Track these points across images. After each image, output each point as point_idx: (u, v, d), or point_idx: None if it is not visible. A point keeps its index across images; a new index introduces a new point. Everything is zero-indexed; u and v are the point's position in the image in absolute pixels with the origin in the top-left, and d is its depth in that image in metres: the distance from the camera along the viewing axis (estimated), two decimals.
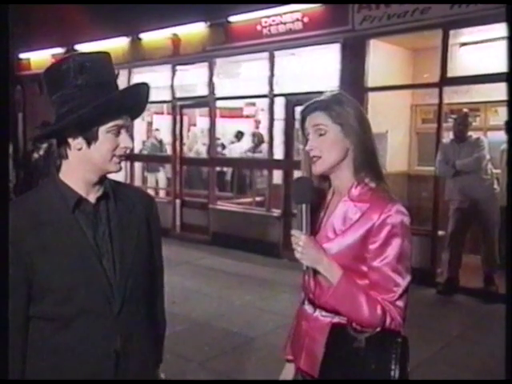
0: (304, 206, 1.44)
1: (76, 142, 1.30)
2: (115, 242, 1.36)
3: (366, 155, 1.49)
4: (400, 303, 1.42)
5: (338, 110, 1.47)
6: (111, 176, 1.41)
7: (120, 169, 1.36)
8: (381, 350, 1.36)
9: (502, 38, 4.47)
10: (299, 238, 1.43)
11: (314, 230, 1.49)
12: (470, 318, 4.65)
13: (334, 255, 1.45)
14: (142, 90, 1.37)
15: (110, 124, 1.29)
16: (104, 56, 1.34)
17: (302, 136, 1.57)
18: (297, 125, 7.17)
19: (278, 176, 7.12)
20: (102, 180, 1.37)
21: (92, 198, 1.36)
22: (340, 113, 1.47)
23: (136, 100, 1.37)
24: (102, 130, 1.29)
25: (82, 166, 1.33)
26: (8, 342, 1.24)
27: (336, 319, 1.46)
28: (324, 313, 1.49)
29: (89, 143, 1.29)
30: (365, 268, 1.44)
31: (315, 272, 1.47)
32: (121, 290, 1.34)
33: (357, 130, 1.48)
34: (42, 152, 7.33)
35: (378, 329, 1.38)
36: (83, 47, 8.77)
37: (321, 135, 1.48)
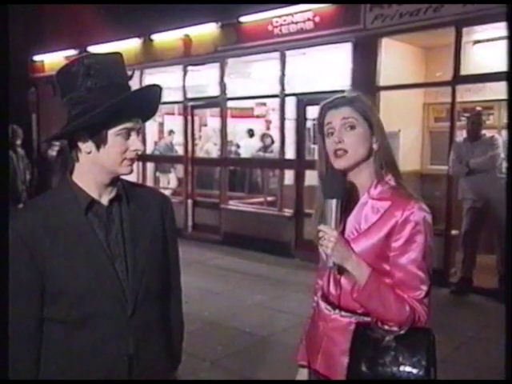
0: (335, 201, 1.41)
1: (85, 146, 1.28)
2: (128, 244, 1.35)
3: (388, 155, 1.48)
4: (426, 301, 1.41)
5: (364, 107, 1.47)
6: (125, 176, 1.39)
7: (131, 171, 1.34)
8: (413, 348, 1.35)
9: None
10: (331, 234, 1.38)
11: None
12: (485, 318, 4.60)
13: (357, 252, 1.43)
14: (153, 92, 1.34)
15: (119, 127, 1.27)
16: (115, 57, 1.31)
17: (319, 132, 1.53)
18: (308, 124, 7.18)
19: (289, 176, 7.11)
20: (115, 181, 1.36)
21: (105, 200, 1.35)
22: (366, 111, 1.47)
23: (146, 102, 1.33)
24: (111, 133, 1.27)
25: (92, 169, 1.32)
26: (8, 343, 1.25)
27: (355, 319, 1.45)
28: (344, 313, 1.48)
29: (98, 147, 1.28)
30: (387, 267, 1.43)
31: (339, 271, 1.45)
32: (133, 292, 1.33)
33: (381, 128, 1.48)
34: (54, 152, 7.41)
35: (406, 327, 1.37)
36: (96, 49, 8.84)
37: (350, 129, 1.45)
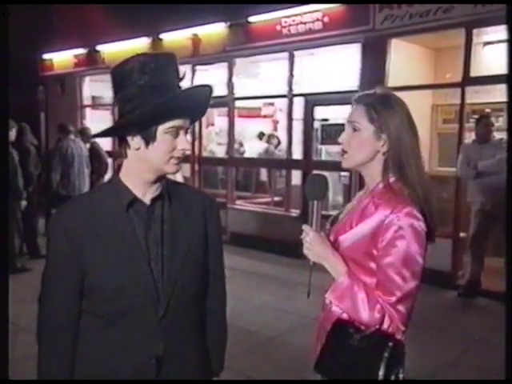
0: (316, 202, 1.50)
1: (135, 142, 1.30)
2: (166, 245, 1.34)
3: (398, 161, 1.46)
4: (401, 307, 1.39)
5: (380, 111, 1.45)
6: None
7: (177, 170, 1.36)
8: (371, 352, 1.35)
9: None
10: (307, 234, 1.47)
11: (335, 223, 1.55)
12: (492, 321, 4.56)
13: (346, 248, 1.47)
14: (202, 91, 1.35)
15: (168, 125, 1.27)
16: (168, 56, 1.33)
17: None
18: (316, 125, 7.16)
19: (296, 176, 7.10)
20: (160, 180, 1.36)
21: (147, 199, 1.35)
22: (381, 115, 1.45)
23: (195, 102, 1.34)
24: (161, 130, 1.27)
25: (139, 166, 1.33)
26: (7, 342, 1.27)
27: (344, 314, 1.47)
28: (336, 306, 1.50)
29: (147, 143, 1.28)
30: (373, 265, 1.44)
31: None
32: (167, 294, 1.32)
33: (395, 135, 1.45)
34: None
35: (372, 329, 1.38)
36: (105, 48, 8.89)
37: (354, 131, 1.50)
